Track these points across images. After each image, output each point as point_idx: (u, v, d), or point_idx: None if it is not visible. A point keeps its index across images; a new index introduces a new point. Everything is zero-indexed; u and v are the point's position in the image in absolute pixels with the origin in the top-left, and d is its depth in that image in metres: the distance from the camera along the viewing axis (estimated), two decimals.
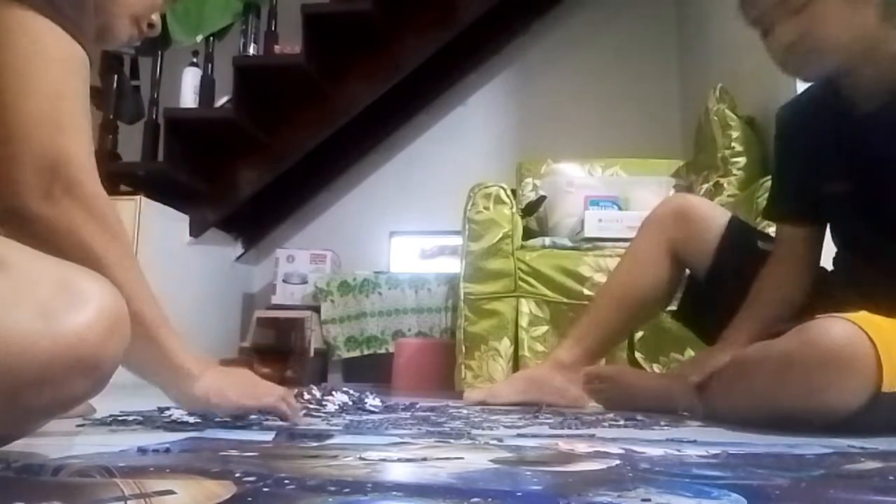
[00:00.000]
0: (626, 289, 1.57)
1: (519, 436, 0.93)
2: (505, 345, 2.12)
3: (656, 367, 2.09)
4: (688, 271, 1.54)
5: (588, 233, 2.28)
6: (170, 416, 1.05)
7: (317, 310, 3.03)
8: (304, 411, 1.19)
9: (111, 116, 2.80)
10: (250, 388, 0.99)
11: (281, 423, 1.01)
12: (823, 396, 0.96)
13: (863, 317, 0.96)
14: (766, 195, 1.49)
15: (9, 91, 0.67)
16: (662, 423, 1.15)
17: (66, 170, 0.71)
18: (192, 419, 1.03)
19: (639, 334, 2.12)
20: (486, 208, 2.23)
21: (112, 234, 0.77)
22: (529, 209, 2.67)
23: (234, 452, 0.71)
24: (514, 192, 2.56)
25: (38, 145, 0.68)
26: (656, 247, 1.51)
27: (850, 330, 0.95)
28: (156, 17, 0.95)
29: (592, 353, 1.60)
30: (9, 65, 0.68)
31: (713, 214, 1.49)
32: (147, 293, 0.83)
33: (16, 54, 0.68)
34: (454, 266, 2.57)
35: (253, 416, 1.05)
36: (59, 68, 0.71)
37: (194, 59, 3.04)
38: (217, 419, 1.04)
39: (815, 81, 1.28)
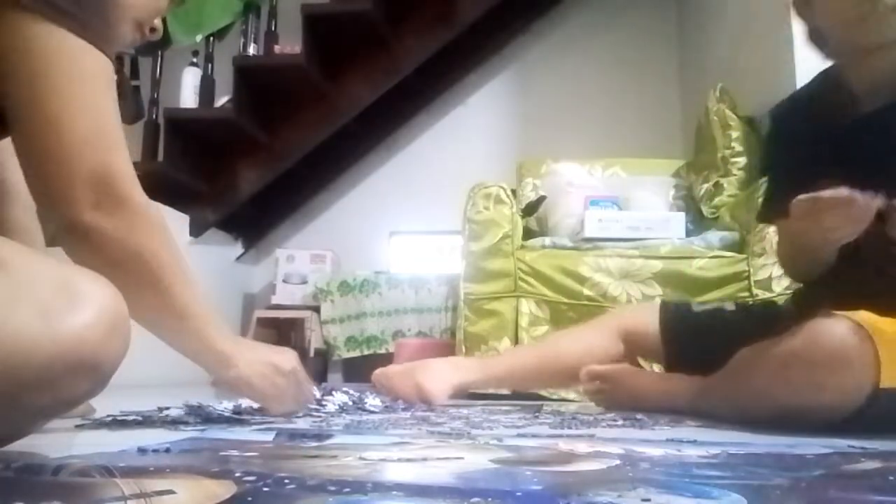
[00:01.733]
0: (562, 352, 1.55)
1: (519, 436, 0.92)
2: (505, 345, 2.12)
3: (656, 368, 2.08)
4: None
5: (588, 233, 2.28)
6: (168, 416, 1.05)
7: (317, 310, 3.04)
8: (304, 411, 1.19)
9: None
10: (273, 384, 1.03)
11: (281, 423, 1.02)
12: (825, 394, 0.96)
13: (864, 316, 0.97)
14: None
15: (54, 111, 0.70)
16: (662, 423, 1.15)
17: (115, 184, 0.74)
18: (191, 419, 1.03)
19: None
20: (486, 208, 2.23)
21: (161, 239, 0.82)
22: (529, 209, 2.67)
23: (234, 452, 0.71)
24: (514, 192, 2.56)
25: (88, 162, 0.71)
26: (608, 332, 1.53)
27: (851, 328, 0.95)
28: (157, 22, 0.96)
29: (486, 384, 1.67)
30: (51, 85, 0.70)
31: (645, 320, 1.51)
32: (190, 290, 0.88)
33: (58, 75, 0.70)
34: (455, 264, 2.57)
35: (249, 417, 1.06)
36: (96, 85, 0.73)
37: (194, 59, 3.05)
38: (216, 416, 1.05)
39: None
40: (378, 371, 1.61)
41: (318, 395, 1.34)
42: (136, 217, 0.77)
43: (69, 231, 0.73)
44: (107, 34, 0.75)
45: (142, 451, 0.70)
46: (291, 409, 1.10)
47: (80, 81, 0.72)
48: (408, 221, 3.34)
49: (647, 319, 1.50)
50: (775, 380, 1.03)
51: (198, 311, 0.90)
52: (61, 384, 0.60)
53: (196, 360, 0.94)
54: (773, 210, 1.35)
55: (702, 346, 1.39)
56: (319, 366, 3.02)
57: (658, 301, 1.59)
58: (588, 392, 1.53)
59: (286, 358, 1.06)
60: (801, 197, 1.04)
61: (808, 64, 1.93)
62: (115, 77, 0.77)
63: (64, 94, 0.70)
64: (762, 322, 1.31)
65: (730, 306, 1.49)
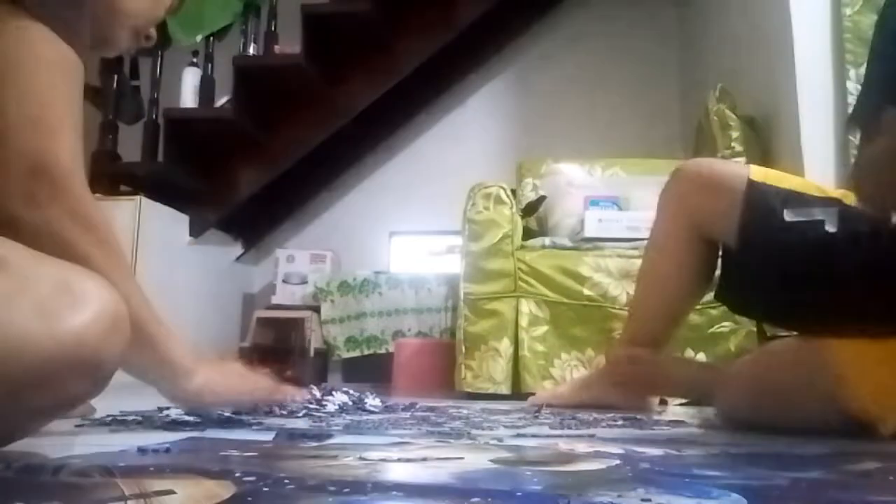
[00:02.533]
0: (657, 283, 1.42)
1: (519, 436, 0.92)
2: (505, 345, 2.12)
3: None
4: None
5: (588, 233, 2.28)
6: (168, 416, 1.05)
7: (317, 310, 3.03)
8: (304, 411, 1.19)
9: (111, 116, 2.80)
10: (240, 383, 1.01)
11: (281, 423, 1.01)
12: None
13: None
14: None
15: None
16: (662, 423, 1.15)
17: (51, 174, 0.69)
18: (191, 418, 1.03)
19: None
20: (486, 208, 2.23)
21: (98, 236, 0.75)
22: (529, 209, 2.67)
23: (234, 452, 0.71)
24: (514, 192, 2.55)
25: (22, 149, 0.68)
26: (676, 230, 1.35)
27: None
28: (152, 30, 0.95)
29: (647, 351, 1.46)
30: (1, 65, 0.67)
31: (731, 184, 1.23)
32: (138, 293, 0.83)
33: (5, 58, 0.68)
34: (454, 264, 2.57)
35: (249, 417, 1.05)
36: (48, 72, 0.70)
37: (194, 59, 3.05)
38: (216, 416, 1.04)
39: None
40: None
41: (317, 393, 1.34)
42: (71, 210, 0.72)
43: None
44: (77, 27, 0.72)
45: (142, 451, 0.70)
46: (260, 396, 1.06)
47: (30, 66, 0.69)
48: (408, 221, 3.34)
49: (730, 195, 1.22)
50: (804, 384, 1.03)
51: (147, 317, 0.84)
52: (61, 384, 0.60)
53: (149, 375, 0.89)
54: (866, 114, 1.10)
55: (788, 267, 1.15)
56: (319, 366, 3.02)
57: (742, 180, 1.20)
58: (611, 377, 1.49)
59: (237, 364, 1.05)
60: None
61: (808, 64, 1.94)
62: (80, 68, 0.73)
63: (7, 75, 0.67)
64: (867, 255, 1.09)
65: (831, 225, 1.14)
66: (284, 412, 1.12)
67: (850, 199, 1.15)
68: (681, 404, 1.59)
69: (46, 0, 0.69)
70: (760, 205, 1.19)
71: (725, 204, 1.22)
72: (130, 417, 1.03)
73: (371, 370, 2.96)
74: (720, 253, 1.31)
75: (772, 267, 1.16)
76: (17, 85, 0.67)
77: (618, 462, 0.67)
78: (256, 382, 1.04)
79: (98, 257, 0.74)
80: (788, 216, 1.15)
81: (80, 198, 0.73)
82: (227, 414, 1.07)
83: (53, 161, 0.70)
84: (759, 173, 1.21)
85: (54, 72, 0.70)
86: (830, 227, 1.12)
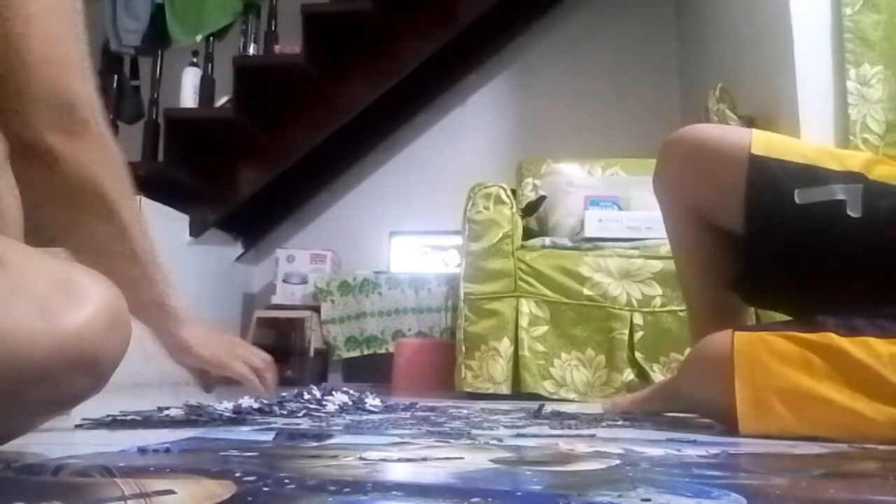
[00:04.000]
0: (686, 277, 1.28)
1: (519, 436, 0.92)
2: (505, 345, 2.12)
3: (656, 367, 2.09)
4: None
5: (588, 233, 2.28)
6: (168, 415, 1.05)
7: (317, 310, 3.03)
8: (304, 411, 1.19)
9: (111, 116, 2.81)
10: (233, 348, 1.01)
11: (280, 423, 1.01)
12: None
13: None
14: None
15: (14, 33, 0.69)
16: (662, 423, 1.15)
17: (75, 107, 0.73)
18: (192, 418, 1.03)
19: (639, 334, 2.12)
20: (486, 208, 2.23)
21: (119, 170, 0.80)
22: (529, 209, 2.67)
23: (234, 452, 0.71)
24: (514, 192, 2.56)
25: (52, 83, 0.71)
26: (681, 218, 1.20)
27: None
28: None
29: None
30: (12, 10, 0.69)
31: (730, 160, 1.07)
32: (147, 237, 0.86)
33: (17, 2, 0.70)
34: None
35: (249, 417, 1.05)
36: (59, 13, 0.73)
37: (194, 59, 3.05)
38: (216, 416, 1.05)
39: None
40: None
41: (317, 393, 1.34)
42: (94, 143, 0.75)
43: (24, 152, 0.71)
44: None
45: (142, 451, 0.70)
46: (243, 370, 1.05)
47: (42, 9, 0.71)
48: (408, 221, 3.34)
49: (725, 201, 1.08)
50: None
51: (152, 260, 0.86)
52: (61, 381, 0.60)
53: (144, 313, 0.89)
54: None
55: (801, 257, 1.04)
56: (319, 366, 3.02)
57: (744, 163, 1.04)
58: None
59: (232, 336, 1.06)
60: None
61: (808, 64, 1.94)
62: (80, 8, 0.76)
63: (25, 18, 0.70)
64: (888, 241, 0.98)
65: (853, 208, 0.98)
66: (284, 412, 1.12)
67: (874, 170, 1.00)
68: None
69: None
70: (766, 185, 1.03)
71: (726, 186, 1.07)
72: (130, 417, 1.03)
73: (371, 370, 2.96)
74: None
75: (784, 258, 1.04)
76: (33, 23, 0.70)
77: (618, 462, 0.67)
78: (244, 357, 1.03)
79: (117, 193, 0.78)
80: (800, 197, 1.00)
81: (104, 134, 0.78)
82: (227, 414, 1.08)
83: (80, 97, 0.73)
84: (761, 143, 1.05)
85: (66, 13, 0.73)
86: (853, 211, 0.98)
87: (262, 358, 1.06)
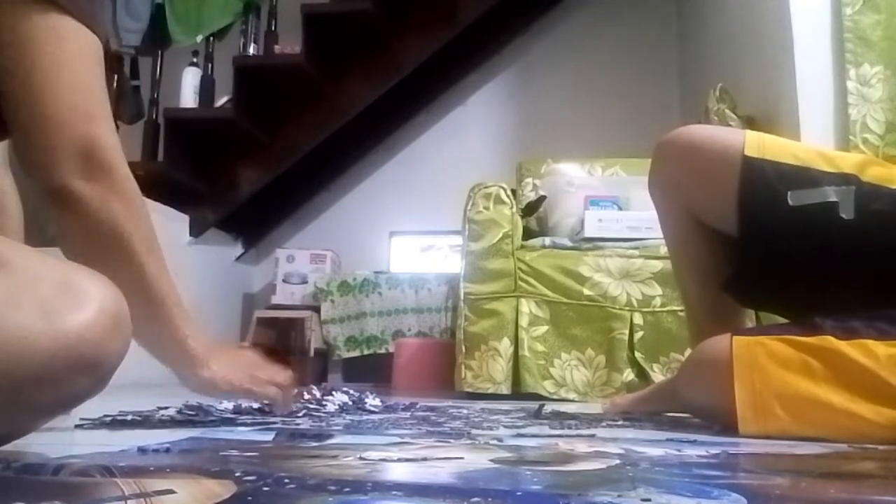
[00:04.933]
0: (682, 280, 1.27)
1: (519, 436, 0.92)
2: (505, 345, 2.12)
3: (656, 367, 2.09)
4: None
5: (588, 233, 2.28)
6: (168, 415, 1.05)
7: (317, 310, 3.04)
8: (304, 411, 1.19)
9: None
10: (254, 369, 1.02)
11: (281, 423, 1.01)
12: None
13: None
14: None
15: (43, 86, 0.73)
16: (662, 423, 1.15)
17: (99, 153, 0.76)
18: (191, 418, 1.03)
19: (639, 334, 2.12)
20: (486, 208, 2.23)
21: (140, 214, 0.83)
22: (529, 209, 2.67)
23: (234, 452, 0.71)
24: (514, 192, 2.56)
25: (74, 132, 0.74)
26: (675, 221, 1.20)
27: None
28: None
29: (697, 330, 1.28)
30: (40, 63, 0.73)
31: (723, 162, 1.07)
32: (167, 276, 0.88)
33: (46, 53, 0.73)
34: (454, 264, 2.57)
35: (249, 417, 1.06)
36: (83, 61, 0.76)
37: (194, 59, 3.05)
38: (216, 416, 1.05)
39: None
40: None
41: (317, 393, 1.34)
42: (118, 187, 0.79)
43: (53, 197, 0.75)
44: (93, 11, 0.77)
45: (142, 451, 0.70)
46: (274, 396, 1.06)
47: (68, 57, 0.74)
48: (408, 221, 3.34)
49: (719, 203, 1.08)
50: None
51: (173, 300, 0.89)
52: (62, 382, 0.60)
53: (166, 356, 0.92)
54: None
55: (795, 259, 1.04)
56: (319, 366, 3.02)
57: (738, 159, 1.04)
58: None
59: (250, 352, 1.07)
60: None
61: (808, 64, 1.94)
62: (102, 51, 0.79)
63: (52, 70, 0.73)
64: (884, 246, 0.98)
65: (846, 210, 0.99)
66: (283, 414, 1.12)
67: (867, 172, 1.01)
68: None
69: None
70: (759, 187, 1.03)
71: (719, 188, 1.07)
72: (130, 417, 1.03)
73: (371, 370, 2.96)
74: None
75: (777, 260, 1.05)
76: (61, 76, 0.73)
77: (618, 462, 0.67)
78: (269, 376, 1.05)
79: (138, 234, 0.82)
80: (793, 199, 1.01)
81: (126, 177, 0.81)
82: (227, 414, 1.08)
83: (101, 143, 0.77)
84: (753, 144, 1.06)
85: (88, 61, 0.77)
86: (845, 213, 0.98)
87: (283, 375, 1.07)
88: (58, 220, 0.77)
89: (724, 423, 1.00)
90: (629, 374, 2.09)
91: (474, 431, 0.96)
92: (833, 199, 0.99)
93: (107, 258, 0.77)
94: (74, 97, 0.74)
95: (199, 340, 0.93)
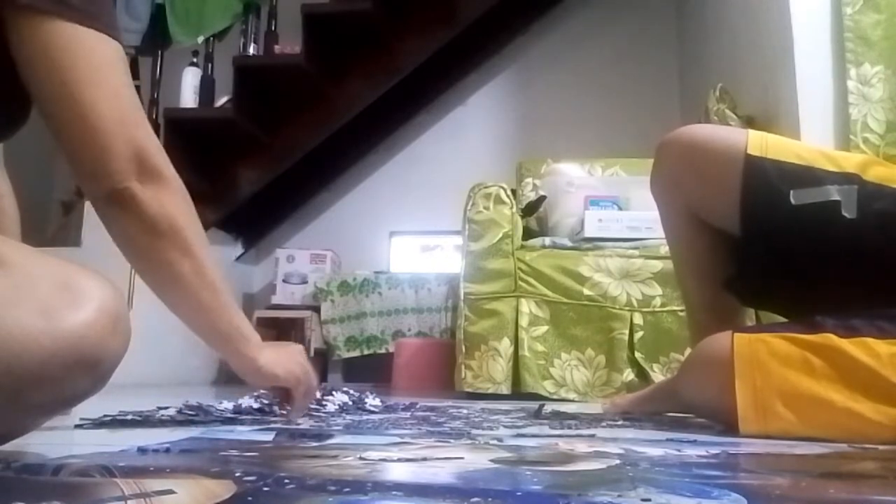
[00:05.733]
0: (683, 279, 1.27)
1: (519, 436, 0.92)
2: (505, 345, 2.12)
3: (656, 367, 2.09)
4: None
5: (588, 233, 2.28)
6: (168, 415, 1.05)
7: (317, 310, 3.04)
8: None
9: None
10: (300, 359, 1.06)
11: (281, 422, 1.02)
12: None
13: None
14: None
15: (84, 99, 0.75)
16: (662, 423, 1.15)
17: (149, 157, 0.80)
18: (191, 418, 1.03)
19: (639, 334, 2.12)
20: (486, 208, 2.23)
21: (191, 210, 0.87)
22: (529, 209, 2.67)
23: (234, 452, 0.71)
24: (514, 192, 2.56)
25: (124, 140, 0.77)
26: (678, 220, 1.20)
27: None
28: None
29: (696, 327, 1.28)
30: (77, 76, 0.74)
31: (726, 162, 1.07)
32: (219, 267, 0.91)
33: (80, 66, 0.75)
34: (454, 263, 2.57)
35: (249, 417, 1.06)
36: (115, 69, 0.78)
37: (194, 59, 3.05)
38: (216, 416, 1.05)
39: None
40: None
41: (317, 393, 1.34)
42: (170, 188, 0.83)
43: (112, 202, 0.78)
44: (113, 21, 0.79)
45: (142, 451, 0.70)
46: (312, 396, 1.10)
47: (103, 68, 0.76)
48: (408, 221, 3.34)
49: (722, 202, 1.08)
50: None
51: (227, 289, 0.93)
52: (61, 381, 0.60)
53: (224, 344, 0.95)
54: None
55: (799, 258, 1.04)
56: (319, 366, 3.02)
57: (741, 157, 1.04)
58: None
59: (295, 347, 1.09)
60: None
61: (808, 64, 1.94)
62: (127, 60, 0.81)
63: (92, 82, 0.75)
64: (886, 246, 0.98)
65: (848, 209, 0.99)
66: (284, 412, 1.12)
67: (869, 171, 1.02)
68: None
69: (85, 5, 0.75)
70: (761, 186, 1.03)
71: (721, 187, 1.07)
72: (130, 417, 1.03)
73: (371, 370, 2.96)
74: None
75: (779, 259, 1.05)
76: (100, 88, 0.76)
77: (618, 462, 0.67)
78: (309, 369, 1.08)
79: (192, 231, 0.85)
80: (796, 198, 1.01)
81: (174, 177, 0.84)
82: (227, 414, 1.08)
83: (147, 147, 0.80)
84: (756, 144, 1.06)
85: (121, 68, 0.79)
86: (848, 213, 0.98)
87: (313, 380, 1.10)
88: (117, 222, 0.79)
89: (724, 420, 1.00)
90: (629, 374, 2.09)
91: (474, 431, 0.96)
92: (836, 198, 0.99)
93: (169, 252, 0.81)
94: (118, 105, 0.77)
95: (252, 337, 0.97)
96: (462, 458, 0.69)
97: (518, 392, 2.07)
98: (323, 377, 2.97)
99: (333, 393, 1.37)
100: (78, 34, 0.74)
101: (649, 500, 0.48)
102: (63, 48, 0.73)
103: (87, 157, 0.77)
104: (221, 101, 2.99)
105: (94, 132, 0.75)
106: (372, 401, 1.37)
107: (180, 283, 0.85)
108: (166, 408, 1.10)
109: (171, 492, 0.48)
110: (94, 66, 0.75)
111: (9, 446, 0.66)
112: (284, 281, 3.18)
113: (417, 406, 1.45)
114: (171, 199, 0.82)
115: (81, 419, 0.96)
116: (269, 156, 3.12)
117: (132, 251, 0.82)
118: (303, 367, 1.04)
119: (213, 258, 0.90)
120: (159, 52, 2.96)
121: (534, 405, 1.52)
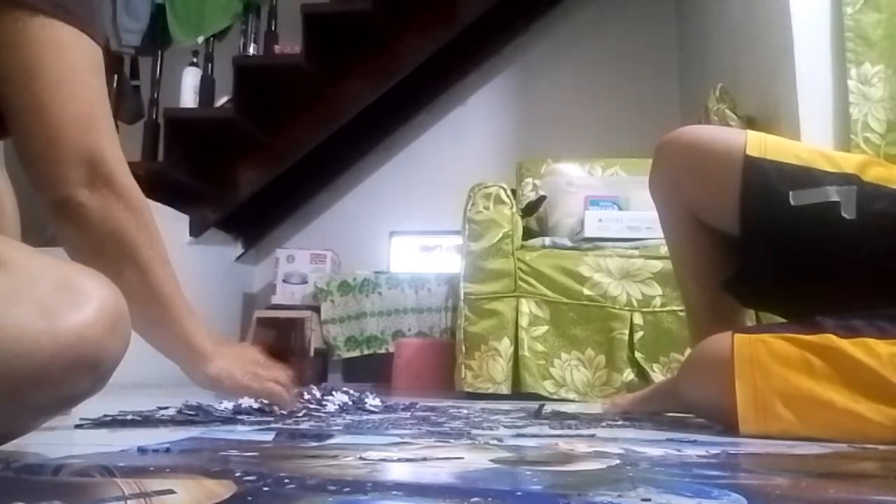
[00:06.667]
0: (682, 280, 1.27)
1: (519, 436, 0.92)
2: (505, 345, 2.12)
3: (656, 367, 2.09)
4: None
5: (588, 233, 2.28)
6: (168, 415, 1.05)
7: (317, 310, 3.04)
8: (304, 411, 1.19)
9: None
10: (256, 367, 1.05)
11: (281, 422, 1.01)
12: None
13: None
14: None
15: (44, 97, 0.73)
16: (662, 423, 1.15)
17: (103, 164, 0.78)
18: (191, 418, 1.03)
19: (639, 334, 2.12)
20: (486, 208, 2.23)
21: (143, 221, 0.84)
22: (529, 209, 2.67)
23: (234, 452, 0.71)
24: (514, 192, 2.56)
25: (78, 144, 0.75)
26: (676, 221, 1.20)
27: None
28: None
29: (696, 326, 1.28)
30: (42, 73, 0.73)
31: (724, 162, 1.07)
32: (172, 278, 0.90)
33: (46, 63, 0.73)
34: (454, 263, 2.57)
35: (249, 417, 1.06)
36: (84, 71, 0.76)
37: (194, 59, 3.05)
38: (216, 415, 1.05)
39: None
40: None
41: (317, 394, 1.34)
42: (121, 197, 0.80)
43: (59, 208, 0.77)
44: (93, 20, 0.77)
45: (142, 451, 0.70)
46: (277, 393, 1.09)
47: (69, 69, 0.74)
48: (408, 221, 3.34)
49: (721, 203, 1.08)
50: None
51: (178, 301, 0.91)
52: (61, 381, 0.60)
53: (174, 355, 0.95)
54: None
55: (798, 259, 1.04)
56: (319, 366, 3.02)
57: (740, 158, 1.04)
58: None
59: (253, 350, 1.09)
60: None
61: (808, 64, 1.94)
62: (102, 62, 0.79)
63: (53, 81, 0.73)
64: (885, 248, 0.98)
65: (848, 210, 0.99)
66: (284, 412, 1.13)
67: (868, 172, 1.02)
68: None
69: (62, 1, 0.73)
70: (760, 187, 1.03)
71: (721, 188, 1.07)
72: (130, 417, 1.03)
73: (371, 370, 2.96)
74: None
75: (778, 259, 1.05)
76: (63, 87, 0.74)
77: (618, 462, 0.67)
78: (272, 375, 1.07)
79: (141, 239, 0.83)
80: (795, 199, 1.01)
81: (129, 186, 0.82)
82: (227, 414, 1.07)
83: (103, 154, 0.78)
84: (755, 144, 1.06)
85: (89, 70, 0.77)
86: (847, 213, 0.98)
87: (285, 373, 1.09)
88: (63, 230, 0.78)
89: (724, 420, 1.00)
90: (629, 374, 2.09)
91: (474, 431, 0.96)
92: (835, 198, 0.99)
93: (113, 265, 0.78)
94: (76, 108, 0.75)
95: (205, 338, 0.96)
96: (462, 458, 0.69)
97: (518, 392, 2.07)
98: (323, 377, 2.97)
99: (333, 393, 1.37)
100: (49, 29, 0.72)
101: (649, 500, 0.48)
102: (31, 42, 0.72)
103: (36, 156, 0.75)
104: (221, 101, 2.99)
105: (44, 130, 0.73)
106: (372, 401, 1.37)
107: (128, 296, 0.78)
108: (166, 408, 1.10)
109: (171, 492, 0.48)
110: (61, 63, 0.73)
111: (9, 446, 0.66)
112: (284, 281, 3.18)
113: (417, 406, 1.45)
114: (121, 210, 0.80)
115: (81, 419, 0.96)
116: (269, 156, 3.12)
117: (79, 259, 0.79)
118: (254, 371, 1.03)
119: (169, 268, 0.89)
120: (159, 52, 2.96)
121: (534, 405, 1.52)
